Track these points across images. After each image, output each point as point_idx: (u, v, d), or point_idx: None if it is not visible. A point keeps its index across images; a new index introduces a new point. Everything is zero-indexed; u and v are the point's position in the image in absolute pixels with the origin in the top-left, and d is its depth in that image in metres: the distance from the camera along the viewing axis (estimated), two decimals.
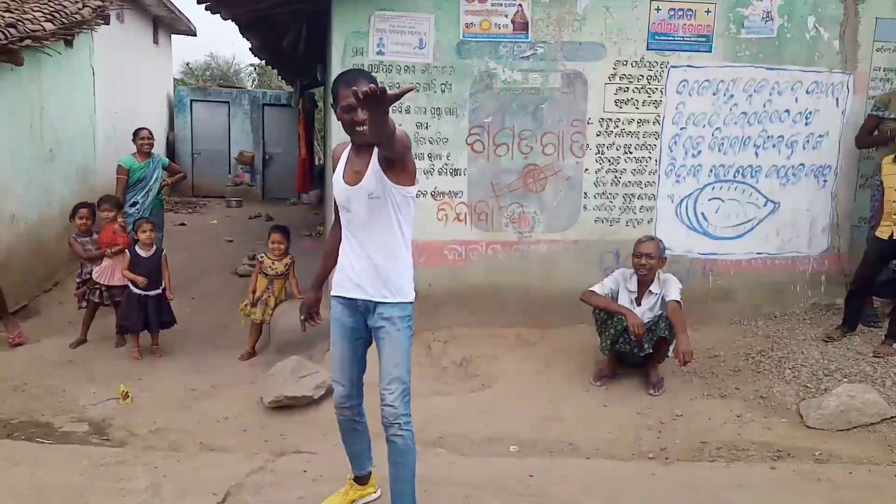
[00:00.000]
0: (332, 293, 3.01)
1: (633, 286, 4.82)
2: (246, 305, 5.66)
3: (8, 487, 3.42)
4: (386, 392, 2.86)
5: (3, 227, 6.24)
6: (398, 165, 2.77)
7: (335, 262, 3.11)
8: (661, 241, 4.85)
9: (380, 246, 2.87)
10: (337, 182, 2.92)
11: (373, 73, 5.02)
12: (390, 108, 2.38)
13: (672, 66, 5.33)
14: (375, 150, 2.78)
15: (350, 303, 2.95)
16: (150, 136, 6.75)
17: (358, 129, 2.74)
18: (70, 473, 3.59)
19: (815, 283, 5.88)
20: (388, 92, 2.25)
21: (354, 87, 2.47)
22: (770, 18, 5.43)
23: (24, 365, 5.28)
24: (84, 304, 5.79)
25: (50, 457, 3.83)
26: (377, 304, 2.88)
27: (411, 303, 2.94)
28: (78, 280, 5.92)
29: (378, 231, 2.87)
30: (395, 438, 2.88)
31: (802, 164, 5.70)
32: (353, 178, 2.85)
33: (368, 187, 2.80)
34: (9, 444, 4.01)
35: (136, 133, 6.77)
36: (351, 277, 2.92)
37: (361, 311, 2.95)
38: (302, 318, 3.28)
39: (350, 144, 2.93)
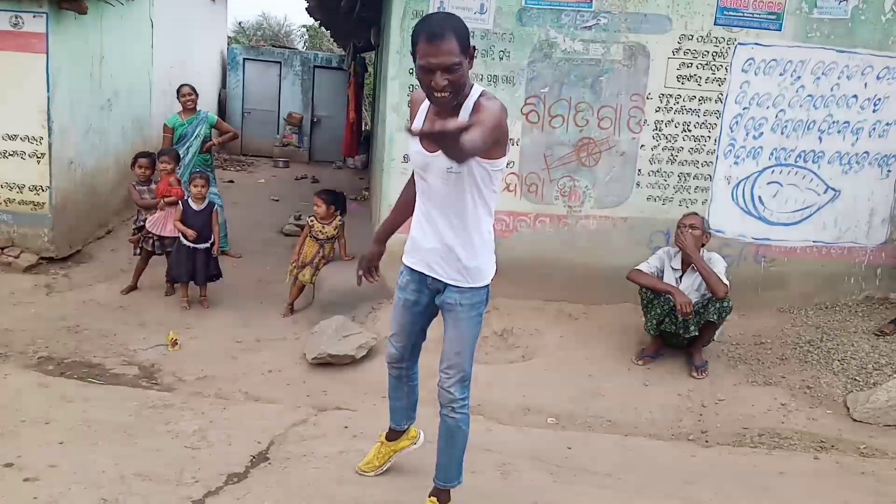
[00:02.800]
0: (403, 259, 2.84)
1: (677, 264, 4.76)
2: (294, 268, 5.72)
3: (61, 422, 3.54)
4: (444, 376, 2.75)
5: (61, 172, 6.39)
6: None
7: (404, 218, 2.92)
8: (705, 217, 4.84)
9: (454, 224, 2.61)
10: (414, 143, 2.61)
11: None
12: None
13: (739, 44, 5.16)
14: (466, 111, 2.49)
15: (420, 277, 2.77)
16: (192, 93, 6.70)
17: (436, 94, 2.41)
18: (120, 413, 3.71)
19: (870, 276, 5.73)
20: (451, 128, 1.92)
21: (411, 129, 2.09)
22: None
23: (78, 308, 5.44)
24: (138, 251, 5.93)
25: (101, 396, 3.96)
26: (447, 285, 2.69)
27: (484, 287, 2.70)
28: (133, 227, 6.07)
29: (454, 208, 2.59)
30: (447, 419, 2.79)
31: (867, 152, 5.52)
32: (432, 143, 2.51)
33: (448, 160, 2.44)
34: (62, 382, 4.15)
35: (178, 90, 6.79)
36: (421, 253, 2.72)
37: (431, 288, 2.76)
38: (360, 272, 3.05)
39: None
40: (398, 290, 2.88)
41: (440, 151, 2.42)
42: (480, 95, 2.53)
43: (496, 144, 2.49)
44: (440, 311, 2.80)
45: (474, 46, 2.50)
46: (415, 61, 2.43)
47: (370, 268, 3.06)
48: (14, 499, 2.84)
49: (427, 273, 2.73)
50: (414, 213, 2.78)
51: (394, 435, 3.23)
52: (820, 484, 3.58)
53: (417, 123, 2.64)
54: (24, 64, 6.02)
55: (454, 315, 2.70)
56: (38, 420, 3.54)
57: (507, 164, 5.14)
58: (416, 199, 2.74)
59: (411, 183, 2.87)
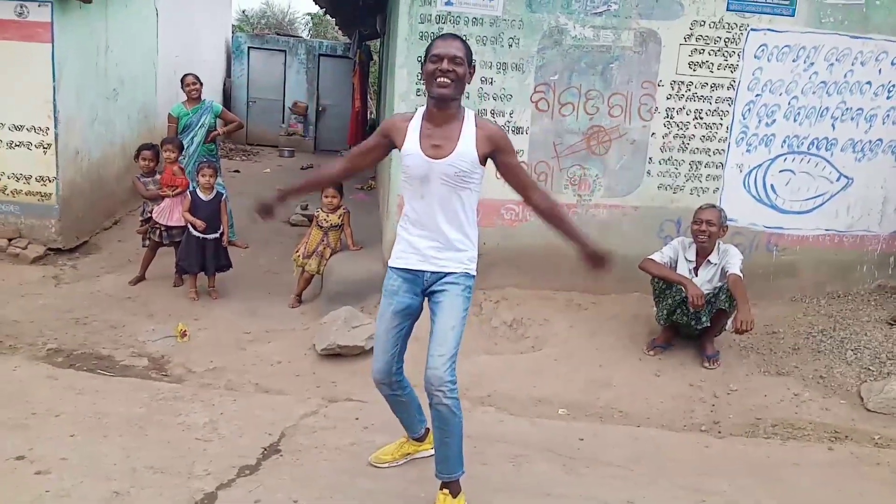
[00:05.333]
0: (392, 265, 2.94)
1: (692, 255, 4.71)
2: (298, 256, 5.70)
3: (72, 415, 3.53)
4: (436, 356, 2.75)
5: (67, 162, 6.36)
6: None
7: (311, 187, 3.38)
8: (722, 209, 4.72)
9: (455, 222, 2.83)
10: (414, 153, 2.79)
11: (441, 25, 4.97)
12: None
13: (752, 29, 5.09)
14: (466, 128, 2.77)
15: (414, 276, 2.89)
16: (196, 82, 6.62)
17: (439, 80, 2.70)
18: (130, 405, 3.70)
19: (883, 264, 5.68)
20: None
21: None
22: None
23: (86, 299, 5.43)
24: (146, 242, 5.91)
25: (111, 388, 3.95)
26: (445, 273, 2.85)
27: (475, 276, 2.92)
28: (141, 219, 6.04)
29: (455, 207, 2.82)
30: (439, 406, 2.75)
31: (880, 140, 5.45)
32: (435, 151, 2.76)
33: (457, 166, 2.75)
34: (72, 374, 4.14)
35: (182, 79, 6.71)
36: (418, 252, 2.86)
37: (427, 283, 2.89)
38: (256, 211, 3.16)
39: (417, 116, 2.85)
40: (385, 297, 2.94)
41: (448, 159, 2.75)
42: (476, 118, 2.83)
43: None
44: (429, 301, 2.92)
45: (474, 66, 2.87)
46: (423, 66, 2.78)
47: (265, 208, 3.15)
48: (26, 492, 2.83)
49: (425, 269, 2.87)
50: (402, 225, 2.94)
51: (418, 438, 3.29)
52: (835, 475, 3.55)
53: (413, 140, 2.80)
54: (29, 53, 5.99)
55: (449, 294, 2.83)
56: (49, 413, 3.53)
57: (518, 151, 5.17)
58: (407, 206, 2.92)
59: (338, 162, 3.15)
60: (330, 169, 3.23)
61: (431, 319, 2.86)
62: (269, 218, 3.17)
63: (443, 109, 2.77)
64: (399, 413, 3.18)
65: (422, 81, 5.00)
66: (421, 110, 2.88)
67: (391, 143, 2.92)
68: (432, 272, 2.86)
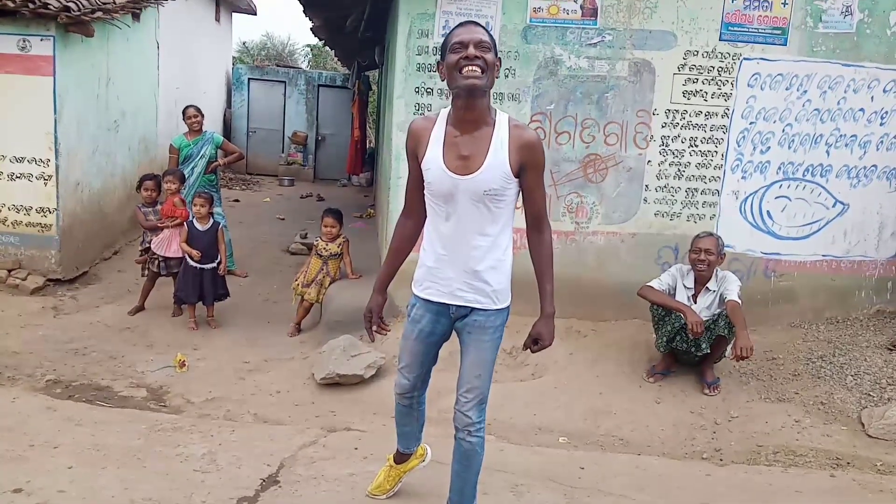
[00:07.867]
0: (416, 291, 2.70)
1: (690, 283, 4.72)
2: (298, 285, 5.72)
3: (70, 446, 3.51)
4: (462, 399, 2.64)
5: (68, 193, 6.41)
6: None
7: (401, 262, 2.80)
8: (720, 237, 4.75)
9: (484, 248, 2.52)
10: (435, 168, 2.48)
11: (438, 57, 5.04)
12: None
13: (745, 59, 5.16)
14: (498, 135, 2.45)
15: (438, 307, 2.64)
16: (197, 114, 6.74)
17: (465, 69, 2.35)
18: (129, 437, 3.68)
19: (881, 289, 5.68)
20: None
21: None
22: (849, 13, 5.22)
23: (85, 329, 5.43)
24: (146, 272, 5.93)
25: (110, 419, 3.93)
26: (472, 309, 2.59)
27: (508, 307, 2.65)
28: (140, 249, 6.08)
29: (483, 230, 2.50)
30: (463, 443, 2.69)
31: (875, 166, 5.49)
32: (461, 165, 2.45)
33: (486, 182, 2.43)
34: (71, 405, 4.12)
35: (183, 111, 6.82)
36: (441, 282, 2.59)
37: (452, 316, 2.64)
38: (369, 328, 2.82)
39: (440, 121, 2.55)
40: (410, 322, 2.75)
41: (475, 175, 2.44)
42: (510, 121, 2.51)
43: None
44: (457, 334, 2.72)
45: (500, 58, 2.52)
46: (443, 58, 2.44)
47: (378, 321, 2.84)
48: None
49: (450, 302, 2.61)
50: (424, 247, 2.68)
51: (402, 458, 3.19)
52: (837, 502, 3.52)
53: (436, 152, 2.51)
54: (31, 86, 6.06)
55: (477, 338, 2.61)
56: (47, 444, 3.51)
57: None
58: (429, 226, 2.64)
59: (405, 223, 2.78)
60: (402, 230, 2.77)
61: (460, 353, 2.69)
62: (384, 324, 2.82)
63: (471, 108, 2.43)
64: (403, 424, 3.04)
65: (419, 112, 5.09)
66: (444, 112, 2.53)
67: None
68: (458, 306, 2.59)
